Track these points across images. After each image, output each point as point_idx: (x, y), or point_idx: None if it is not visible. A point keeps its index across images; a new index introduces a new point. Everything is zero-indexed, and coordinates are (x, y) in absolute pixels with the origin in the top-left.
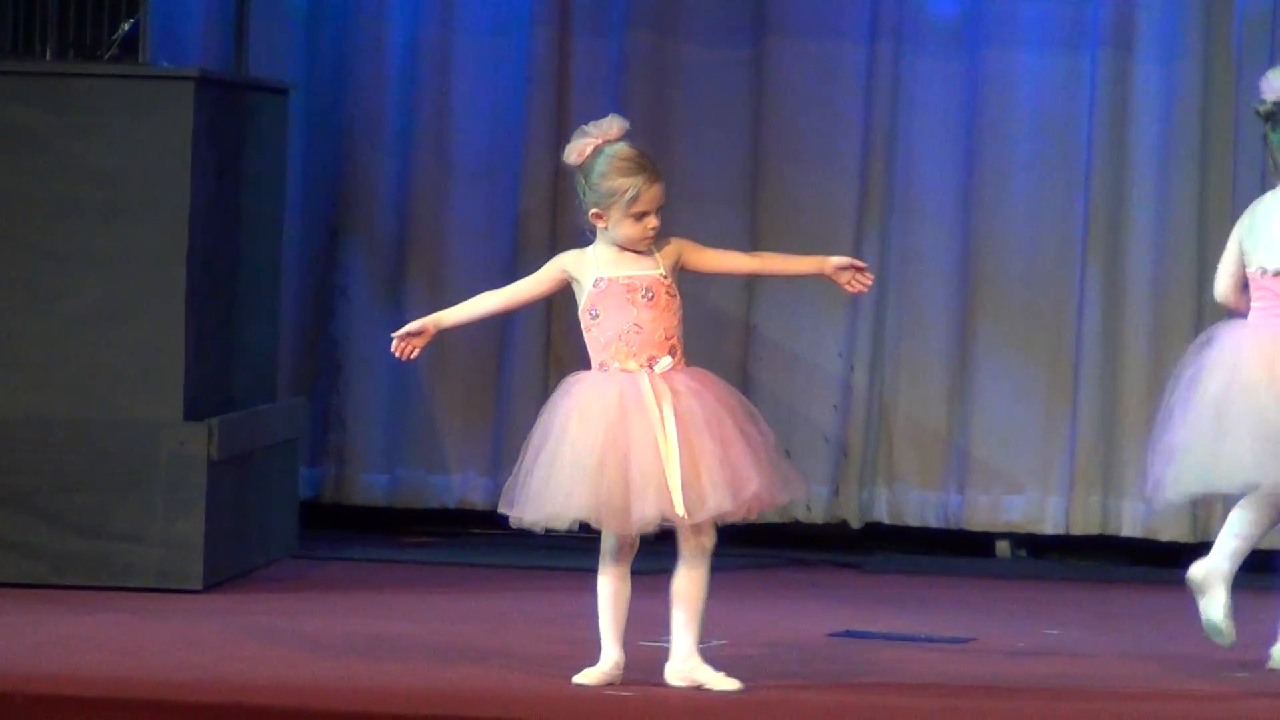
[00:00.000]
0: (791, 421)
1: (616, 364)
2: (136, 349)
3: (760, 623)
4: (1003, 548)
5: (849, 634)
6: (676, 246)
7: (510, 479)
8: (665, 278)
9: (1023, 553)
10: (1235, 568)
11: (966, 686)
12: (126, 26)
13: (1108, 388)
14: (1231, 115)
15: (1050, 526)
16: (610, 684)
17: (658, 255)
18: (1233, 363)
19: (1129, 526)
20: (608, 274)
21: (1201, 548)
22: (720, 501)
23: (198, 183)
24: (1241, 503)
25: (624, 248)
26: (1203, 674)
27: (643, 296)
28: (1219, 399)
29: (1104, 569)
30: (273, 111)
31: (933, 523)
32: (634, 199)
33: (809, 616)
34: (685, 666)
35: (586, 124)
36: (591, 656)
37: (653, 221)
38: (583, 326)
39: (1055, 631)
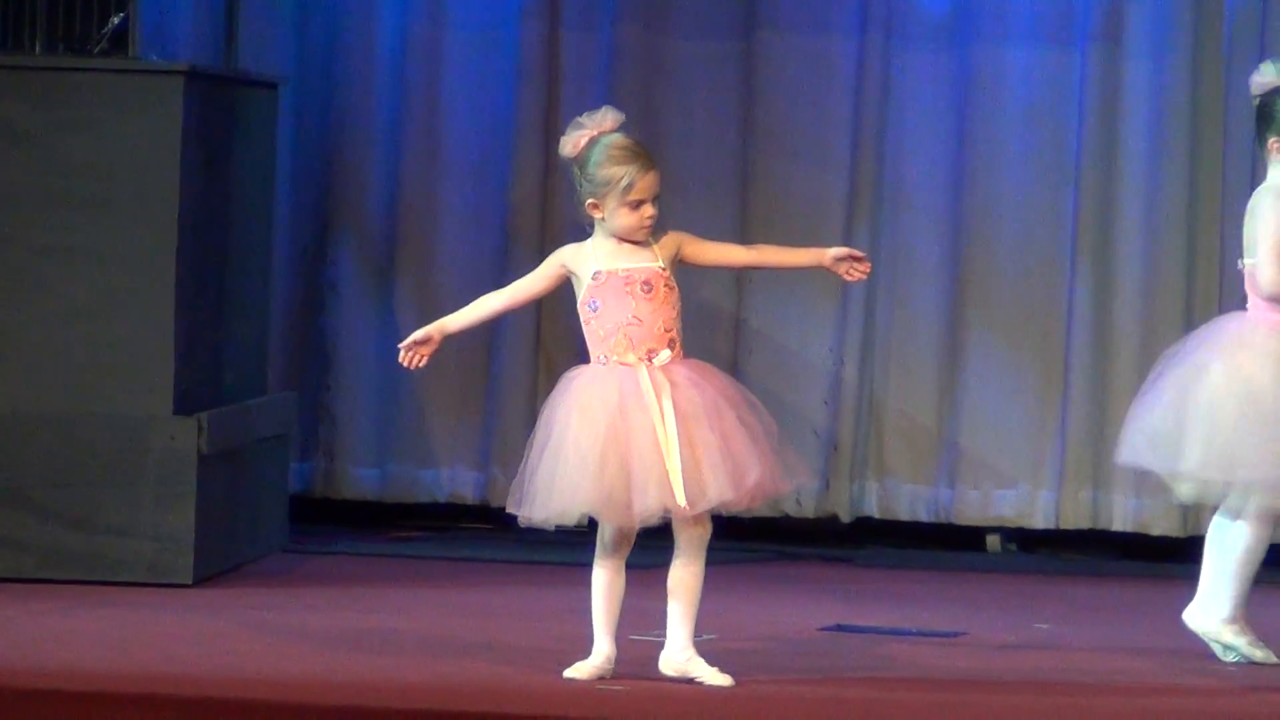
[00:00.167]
0: (782, 416)
1: (615, 357)
2: (126, 343)
3: (750, 617)
4: (993, 542)
5: (839, 628)
6: (675, 239)
7: (516, 478)
8: (664, 270)
9: (1013, 547)
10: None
11: (957, 680)
12: (116, 21)
13: (1098, 382)
14: (1221, 110)
15: (1041, 521)
16: (601, 678)
17: (656, 248)
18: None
19: (1119, 521)
20: (606, 266)
21: (1192, 542)
22: (721, 491)
23: (187, 177)
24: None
25: (622, 239)
26: (1193, 668)
27: (641, 289)
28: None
29: (1094, 563)
30: (262, 106)
31: (923, 517)
32: (629, 187)
33: (799, 611)
34: (680, 659)
35: (581, 116)
36: (582, 650)
37: (649, 210)
38: (581, 320)
39: (1045, 625)
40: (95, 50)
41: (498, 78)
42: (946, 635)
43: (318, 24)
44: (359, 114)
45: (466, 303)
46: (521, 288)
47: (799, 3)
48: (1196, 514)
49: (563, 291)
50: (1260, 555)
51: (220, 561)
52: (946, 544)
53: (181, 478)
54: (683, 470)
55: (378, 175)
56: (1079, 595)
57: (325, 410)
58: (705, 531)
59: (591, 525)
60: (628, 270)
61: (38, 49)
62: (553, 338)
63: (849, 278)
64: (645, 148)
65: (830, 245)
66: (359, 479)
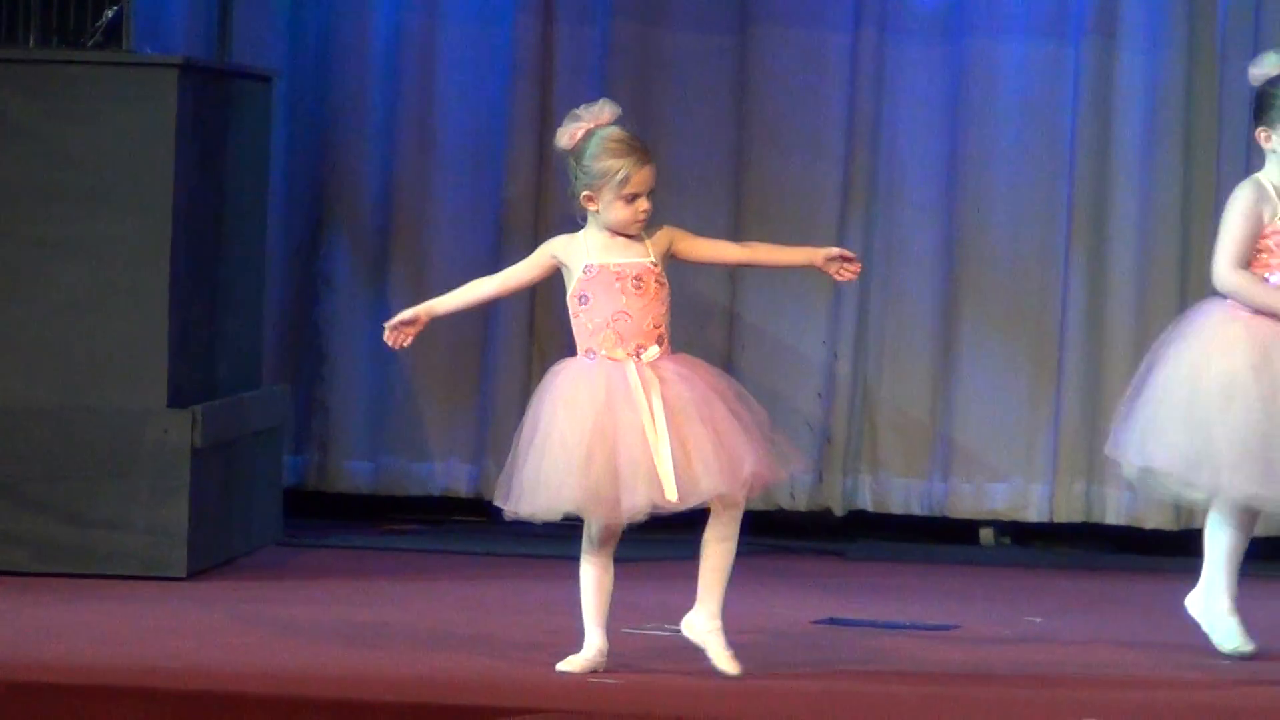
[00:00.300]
0: (775, 409)
1: (604, 352)
2: (120, 337)
3: (743, 610)
4: (986, 535)
5: (832, 621)
6: (668, 235)
7: (504, 471)
8: (655, 265)
9: (1006, 540)
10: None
11: (950, 674)
12: (110, 14)
13: (1092, 375)
14: (1215, 102)
15: (1034, 514)
16: (594, 671)
17: (648, 243)
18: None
19: (1113, 514)
20: (598, 260)
21: (1185, 535)
22: (714, 484)
23: (181, 170)
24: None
25: (615, 233)
26: (1187, 661)
27: (632, 284)
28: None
29: (1088, 556)
30: (257, 99)
31: (916, 510)
32: (625, 180)
33: (792, 604)
34: (702, 629)
35: (578, 108)
36: (575, 644)
37: (644, 205)
38: (570, 312)
39: (1039, 619)
40: (89, 43)
41: (492, 72)
42: (939, 628)
43: (312, 17)
44: (353, 107)
45: None
46: (512, 275)
47: None
48: (1190, 508)
49: (557, 284)
50: (1236, 547)
51: (214, 555)
52: (940, 537)
53: (175, 471)
54: (674, 464)
55: (372, 169)
56: (1072, 588)
57: (319, 403)
58: (737, 511)
59: (569, 517)
60: (619, 265)
61: (32, 42)
62: (546, 331)
63: (840, 278)
64: (642, 141)
65: (824, 237)
66: (352, 472)
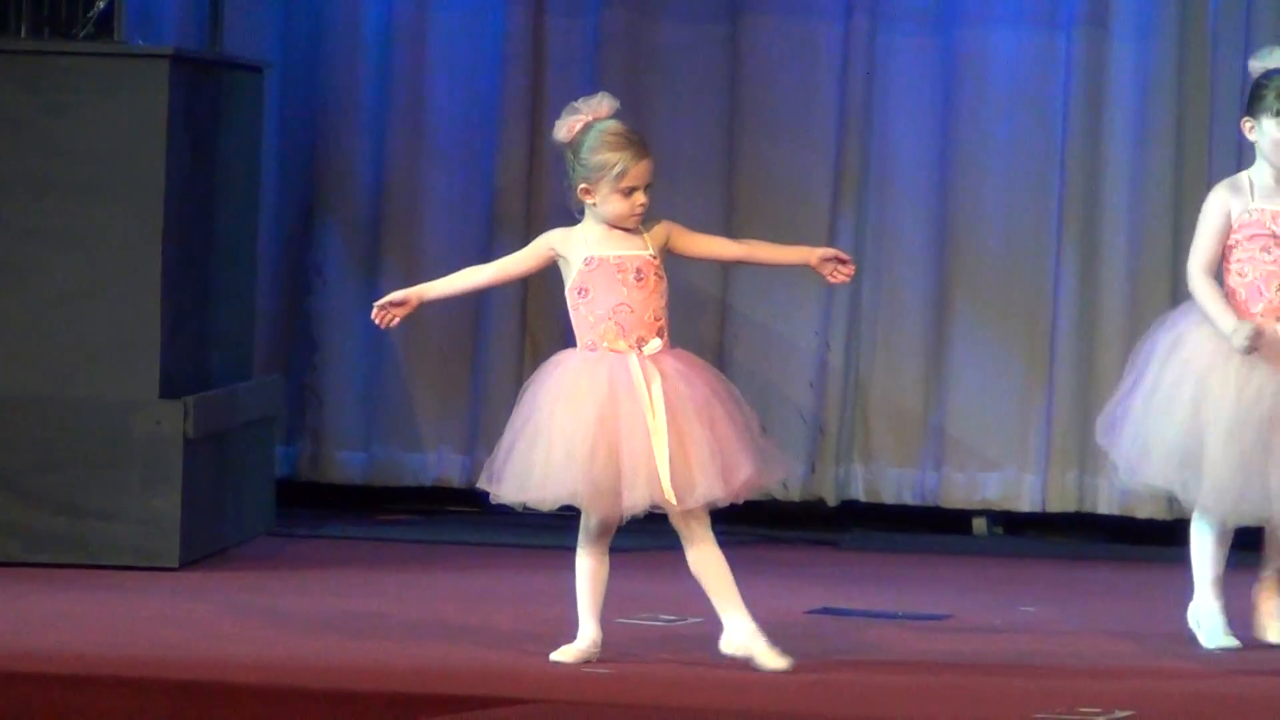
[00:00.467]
0: (768, 400)
1: (605, 344)
2: (112, 327)
3: None
4: (979, 525)
5: (826, 611)
6: (665, 229)
7: (492, 455)
8: (654, 258)
9: (999, 530)
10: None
11: (943, 663)
12: (101, 4)
13: (1083, 365)
14: (1207, 94)
15: (1026, 504)
16: (587, 661)
17: (646, 236)
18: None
19: (1105, 504)
20: (598, 252)
21: (1178, 525)
22: (710, 488)
23: (173, 161)
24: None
25: (613, 226)
26: (1180, 651)
27: (633, 276)
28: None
29: (1080, 546)
30: (248, 90)
31: (909, 500)
32: (622, 174)
33: (786, 594)
34: (740, 638)
35: (576, 101)
36: (568, 634)
37: (641, 198)
38: (569, 305)
39: (1031, 608)
40: (81, 34)
41: (483, 62)
42: (932, 618)
43: (303, 8)
44: (344, 98)
45: None
46: (507, 265)
47: None
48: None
49: (549, 275)
50: (1209, 549)
51: (206, 545)
52: (932, 527)
53: (167, 462)
54: (671, 465)
55: (363, 160)
56: (1065, 578)
57: (311, 394)
58: (701, 518)
59: (572, 509)
60: (619, 257)
61: (23, 33)
62: (539, 321)
63: (833, 279)
64: (640, 135)
65: (816, 227)
66: (345, 462)
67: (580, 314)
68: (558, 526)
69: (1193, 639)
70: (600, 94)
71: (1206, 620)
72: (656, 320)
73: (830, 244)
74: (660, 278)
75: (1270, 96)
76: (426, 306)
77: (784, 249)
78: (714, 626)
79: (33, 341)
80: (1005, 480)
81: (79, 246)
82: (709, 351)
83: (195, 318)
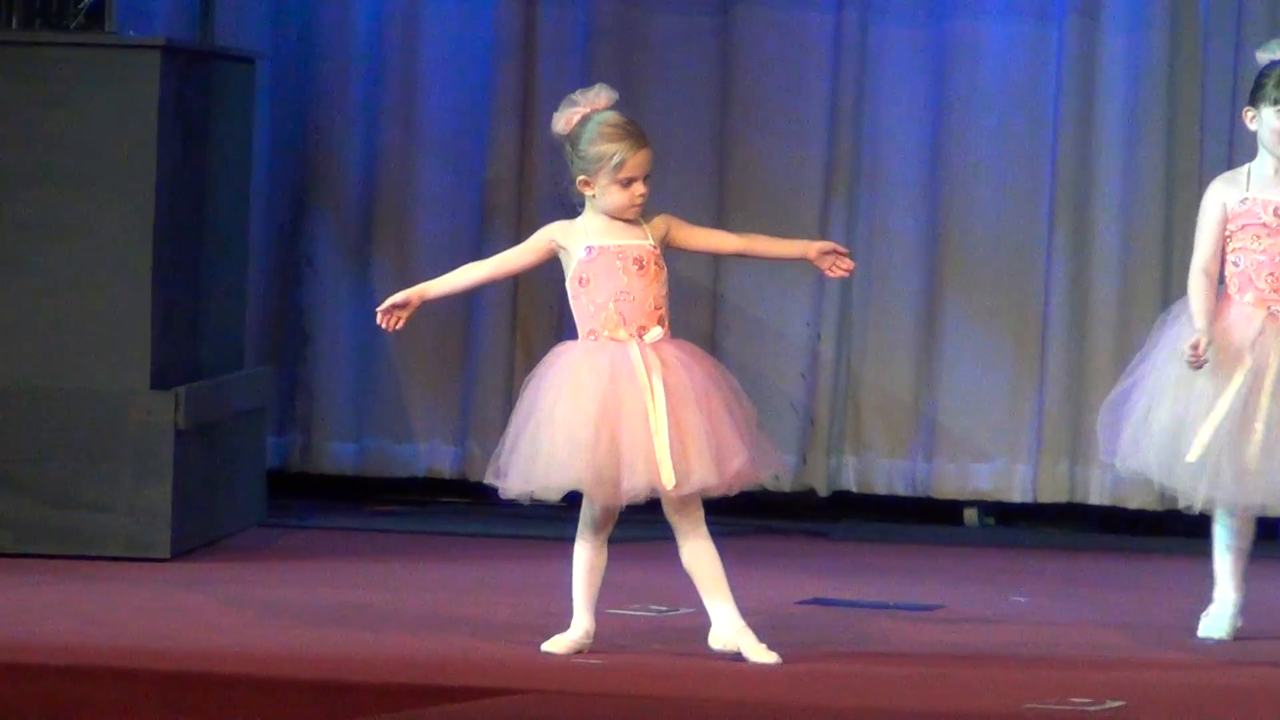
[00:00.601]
0: (759, 390)
1: (606, 332)
2: (103, 318)
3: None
4: (970, 516)
5: (817, 602)
6: (664, 222)
7: (497, 450)
8: (654, 248)
9: (990, 521)
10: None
11: (934, 654)
12: None
13: (1075, 356)
14: (1198, 85)
15: (1018, 494)
16: (579, 651)
17: (646, 227)
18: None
19: (1097, 494)
20: (599, 242)
21: (1169, 516)
22: (705, 475)
23: (164, 152)
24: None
25: (613, 217)
26: (1171, 642)
27: (633, 265)
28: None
29: (1072, 537)
30: (239, 81)
31: (900, 491)
32: (621, 164)
33: (777, 585)
34: (728, 633)
35: (574, 93)
36: (560, 625)
37: (640, 189)
38: (570, 295)
39: (1023, 599)
40: (72, 25)
41: (474, 53)
42: (924, 609)
43: None
44: (336, 89)
45: None
46: (507, 260)
47: None
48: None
49: (542, 267)
50: (1226, 543)
51: (197, 536)
52: (924, 518)
53: (159, 452)
54: (670, 451)
55: (354, 151)
56: (1056, 569)
57: (302, 385)
58: (696, 513)
59: (570, 500)
60: (620, 246)
61: (15, 24)
62: (530, 313)
63: (831, 274)
64: (638, 126)
65: (807, 218)
66: (336, 453)
67: (581, 303)
68: (548, 517)
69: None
70: (598, 86)
71: (1213, 609)
72: (657, 309)
73: (822, 235)
74: (661, 267)
75: (1270, 86)
76: (428, 303)
77: (783, 242)
78: (705, 618)
79: (24, 332)
80: (997, 471)
81: (70, 238)
82: (701, 342)
83: (186, 309)
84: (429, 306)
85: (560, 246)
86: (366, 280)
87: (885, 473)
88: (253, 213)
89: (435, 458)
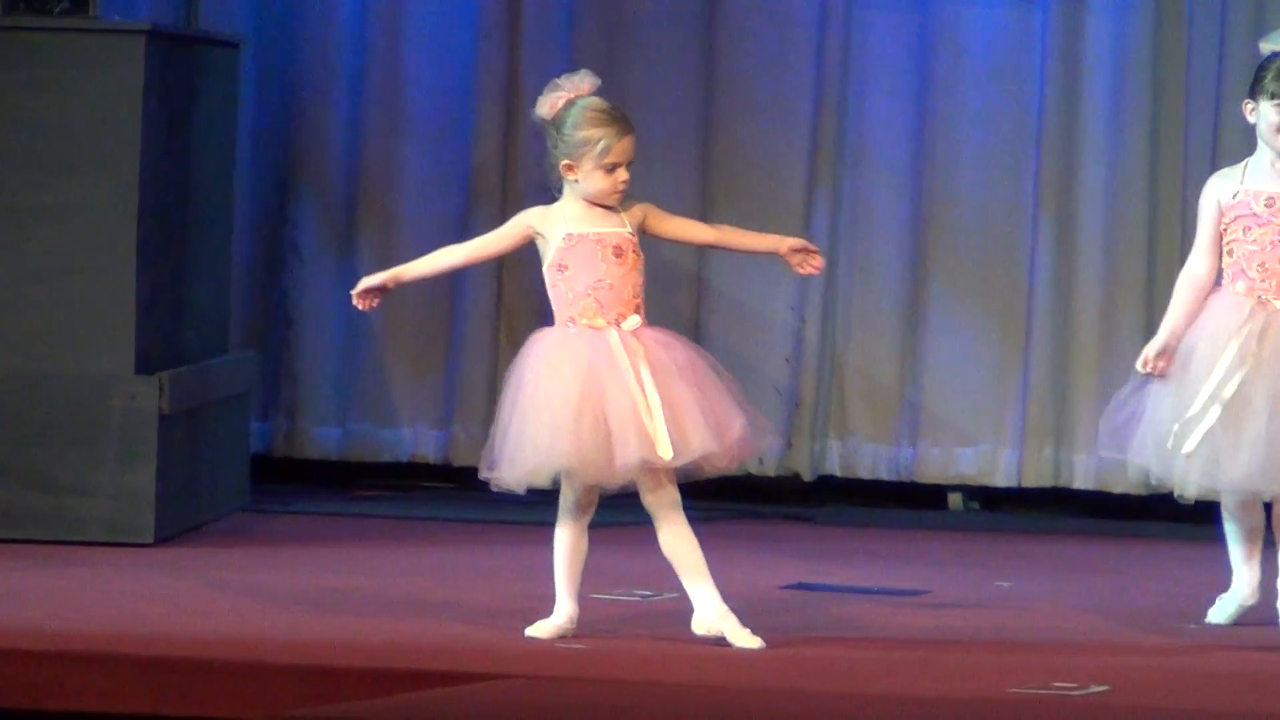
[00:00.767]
0: (743, 374)
1: (584, 320)
2: (87, 303)
3: (712, 575)
4: (955, 500)
5: (801, 586)
6: (642, 210)
7: (488, 443)
8: (632, 236)
9: (975, 505)
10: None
11: (918, 639)
12: None
13: (1060, 340)
14: (1183, 69)
15: (1002, 479)
16: (563, 636)
17: (624, 214)
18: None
19: (1081, 479)
20: (577, 229)
21: (1153, 501)
22: (704, 442)
23: (148, 137)
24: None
25: (593, 203)
26: (1155, 627)
27: (612, 253)
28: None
29: (1056, 521)
30: (223, 66)
31: (885, 475)
32: (606, 150)
33: (761, 569)
34: (711, 618)
35: (558, 78)
36: (543, 610)
37: (623, 175)
38: (548, 283)
39: (1007, 584)
40: (56, 10)
41: (459, 37)
42: (908, 594)
43: None
44: (320, 74)
45: None
46: (483, 245)
47: None
48: None
49: (525, 251)
50: (1236, 531)
51: (181, 521)
52: (908, 502)
53: (142, 437)
54: (664, 423)
55: (339, 135)
56: (1040, 553)
57: (286, 369)
58: (670, 495)
59: (557, 483)
60: (599, 234)
61: None
62: (514, 297)
63: (800, 270)
64: (623, 112)
65: (792, 203)
66: (320, 438)
67: (559, 290)
68: (533, 502)
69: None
70: (582, 71)
71: (1225, 594)
72: (635, 297)
73: (806, 219)
74: (639, 255)
75: (1269, 79)
76: (403, 286)
77: (755, 236)
78: (688, 603)
79: (7, 317)
80: (981, 455)
81: (54, 222)
82: (685, 327)
83: (171, 293)
84: (413, 291)
85: (537, 232)
86: (351, 265)
87: (869, 457)
88: (237, 197)
89: (419, 443)
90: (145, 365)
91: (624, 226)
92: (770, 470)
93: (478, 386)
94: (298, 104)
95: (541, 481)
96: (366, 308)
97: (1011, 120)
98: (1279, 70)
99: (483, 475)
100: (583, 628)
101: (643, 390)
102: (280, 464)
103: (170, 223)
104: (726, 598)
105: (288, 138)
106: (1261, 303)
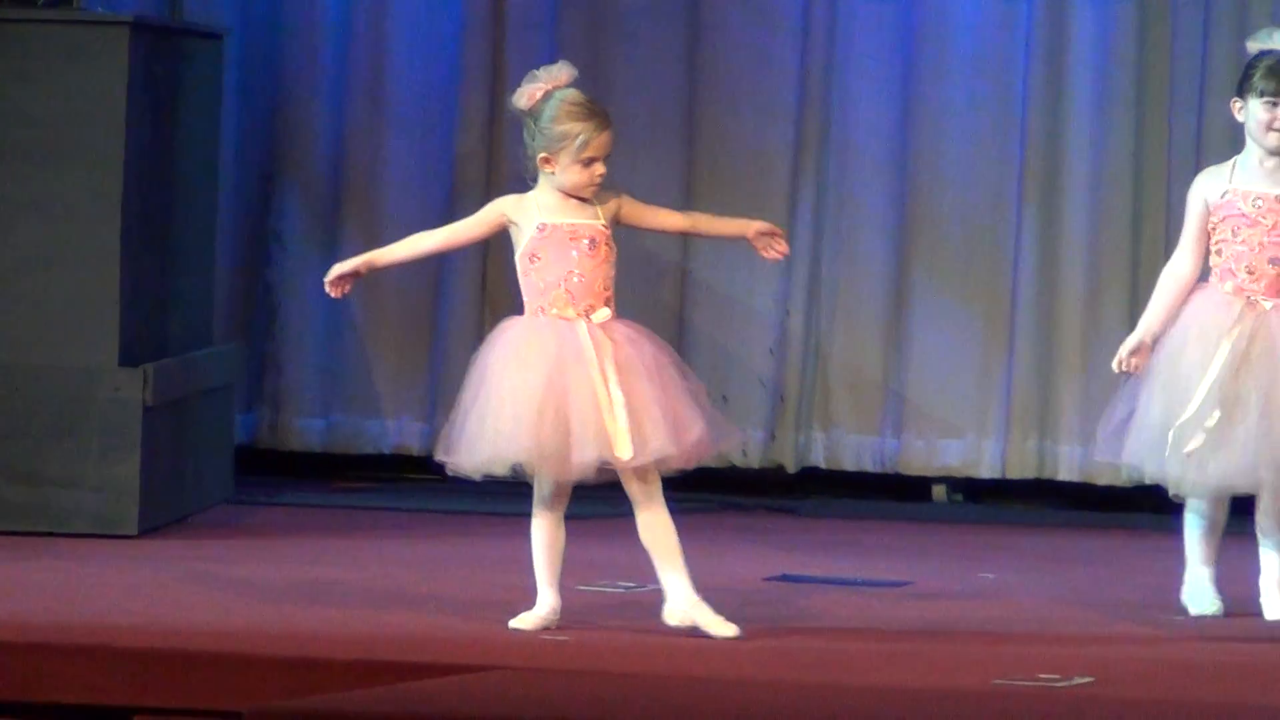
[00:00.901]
0: (727, 366)
1: (555, 311)
2: (71, 294)
3: (696, 567)
4: (939, 492)
5: (785, 578)
6: (616, 201)
7: (446, 426)
8: (606, 228)
9: (959, 497)
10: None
11: (902, 630)
12: None
13: (1044, 331)
14: (1167, 59)
15: (987, 471)
16: (547, 628)
17: (598, 207)
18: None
19: (1065, 471)
20: (550, 220)
21: (1137, 492)
22: (663, 444)
23: (132, 128)
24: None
25: (568, 195)
26: (1139, 617)
27: (585, 244)
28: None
29: (1040, 513)
30: (207, 57)
31: (869, 467)
32: (584, 144)
33: (745, 561)
34: (683, 607)
35: (536, 69)
36: (528, 601)
37: (600, 169)
38: (519, 271)
39: (991, 575)
40: (40, 2)
41: (443, 29)
42: (892, 585)
43: None
44: (304, 65)
45: None
46: (457, 231)
47: None
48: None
49: (510, 243)
50: (1199, 526)
51: (165, 512)
52: (892, 494)
53: (126, 429)
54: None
55: (323, 126)
56: (1025, 545)
57: (270, 361)
58: (653, 484)
59: (521, 475)
60: (572, 225)
61: None
62: (498, 289)
63: (765, 255)
64: (601, 105)
65: (776, 194)
66: (304, 430)
67: (530, 280)
68: (517, 494)
69: (1183, 612)
70: (560, 62)
71: (1192, 588)
72: (606, 289)
73: (790, 210)
74: (611, 248)
75: (1258, 77)
76: (383, 273)
77: (724, 221)
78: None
79: None
80: (965, 447)
81: (38, 214)
82: (669, 318)
83: (155, 285)
84: (397, 284)
85: (511, 221)
86: (335, 256)
87: (854, 449)
88: (221, 189)
89: (403, 434)
90: (129, 357)
91: (598, 219)
92: (754, 462)
93: (462, 378)
94: (282, 96)
95: (499, 470)
96: (339, 294)
97: (996, 112)
98: (1267, 68)
99: (439, 457)
100: (567, 619)
101: (607, 387)
102: (264, 456)
103: (154, 214)
104: (710, 589)
105: (272, 129)
106: (1251, 304)
